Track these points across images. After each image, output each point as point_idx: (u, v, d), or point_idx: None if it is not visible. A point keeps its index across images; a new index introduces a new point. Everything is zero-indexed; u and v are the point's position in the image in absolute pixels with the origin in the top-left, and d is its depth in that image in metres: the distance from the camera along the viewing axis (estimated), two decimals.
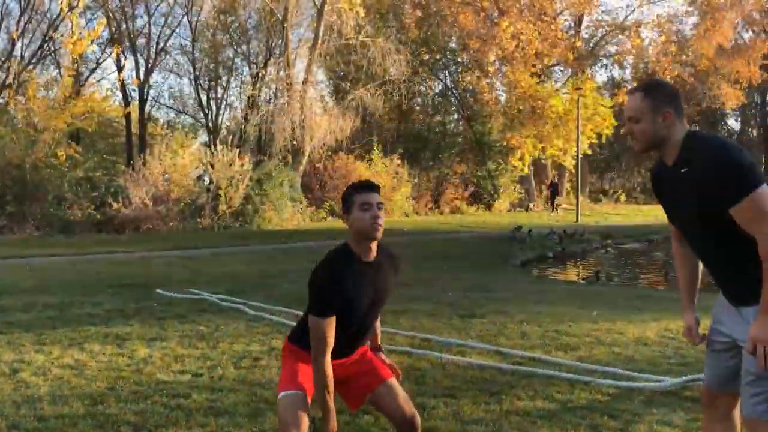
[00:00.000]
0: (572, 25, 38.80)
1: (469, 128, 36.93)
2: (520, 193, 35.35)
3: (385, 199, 27.51)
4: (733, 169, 2.36)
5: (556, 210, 31.26)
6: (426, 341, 6.00)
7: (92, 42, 21.40)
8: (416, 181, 31.30)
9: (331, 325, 2.75)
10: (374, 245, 2.86)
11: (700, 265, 2.81)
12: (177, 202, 19.93)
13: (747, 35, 44.68)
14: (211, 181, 20.58)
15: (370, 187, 2.86)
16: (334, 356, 2.82)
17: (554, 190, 32.87)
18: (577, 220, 26.53)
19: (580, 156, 29.42)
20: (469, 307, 7.95)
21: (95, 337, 6.00)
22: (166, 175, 19.52)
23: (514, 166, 33.30)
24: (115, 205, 19.31)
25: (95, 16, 32.80)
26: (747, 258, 2.42)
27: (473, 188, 34.58)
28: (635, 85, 2.79)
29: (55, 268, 10.76)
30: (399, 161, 29.26)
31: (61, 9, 20.26)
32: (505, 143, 33.47)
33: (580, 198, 30.06)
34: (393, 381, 3.04)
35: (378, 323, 3.19)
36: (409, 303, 8.17)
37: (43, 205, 18.56)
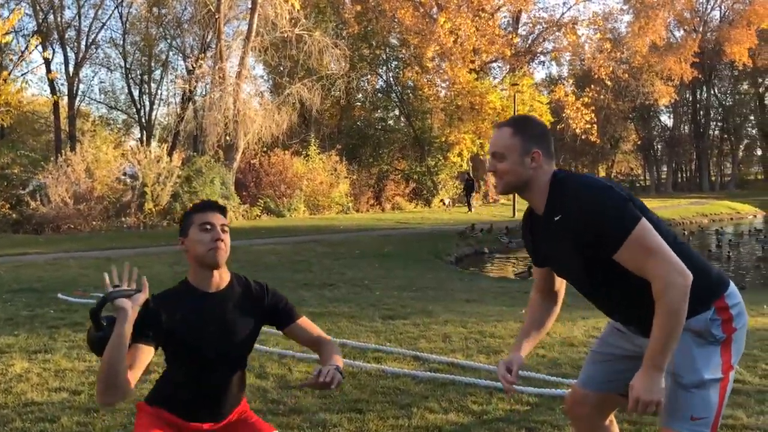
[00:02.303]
0: (510, 21, 39.01)
1: (409, 124, 36.69)
2: (460, 189, 35.29)
3: (323, 195, 27.03)
4: (604, 215, 2.13)
5: (470, 208, 29.67)
6: (341, 347, 5.56)
7: (8, 32, 20.18)
8: (356, 177, 30.85)
9: (138, 352, 2.25)
10: (219, 274, 2.40)
11: (550, 319, 2.61)
12: (100, 200, 18.97)
13: (679, 33, 45.85)
14: (136, 178, 19.67)
15: (212, 206, 2.45)
16: (201, 413, 2.41)
17: (469, 187, 30.59)
18: (513, 215, 26.54)
19: None
20: (393, 307, 7.57)
21: None
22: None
23: (454, 162, 33.20)
24: (33, 204, 18.25)
25: (20, 5, 31.27)
26: (646, 296, 2.13)
27: (414, 184, 34.37)
28: (517, 118, 2.46)
29: None
30: (337, 157, 28.77)
31: None
32: (444, 139, 33.35)
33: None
34: None
35: (329, 349, 2.57)
36: (331, 304, 7.75)
37: None
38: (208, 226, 2.36)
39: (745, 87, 54.45)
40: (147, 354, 2.28)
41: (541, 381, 4.60)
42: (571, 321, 6.70)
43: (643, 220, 2.12)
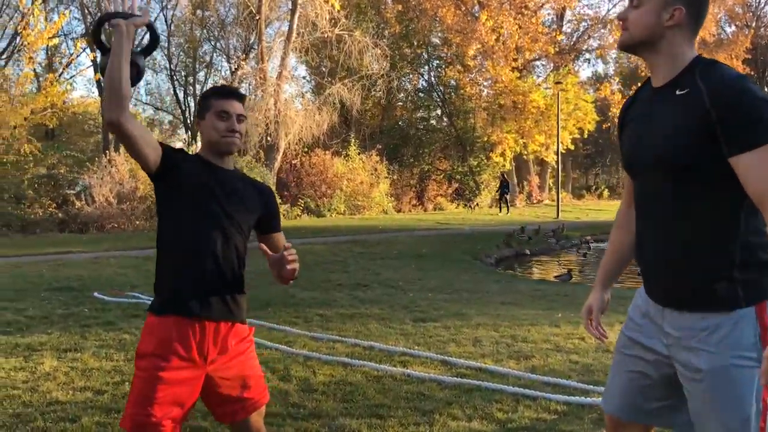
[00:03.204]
0: (554, 19, 38.40)
1: (451, 124, 36.46)
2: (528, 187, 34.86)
3: (363, 195, 27.00)
4: (759, 106, 1.72)
5: (507, 209, 28.49)
6: (368, 350, 5.49)
7: (54, 35, 20.63)
8: (396, 177, 30.77)
9: (155, 143, 2.26)
10: (228, 159, 2.43)
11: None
12: (143, 200, 19.26)
13: (730, 29, 44.54)
14: None
15: (232, 93, 2.44)
16: (205, 298, 2.30)
17: (505, 188, 29.27)
18: (557, 216, 26.13)
19: (561, 151, 29.00)
20: (426, 309, 7.45)
21: (2, 349, 5.44)
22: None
23: (496, 162, 32.86)
24: (78, 204, 18.63)
25: (69, 9, 32.07)
26: (717, 241, 1.81)
27: (456, 185, 34.13)
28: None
29: None
30: (378, 157, 28.73)
31: (19, 0, 19.49)
32: (486, 139, 33.04)
33: (563, 194, 29.66)
34: (258, 416, 2.47)
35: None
36: (363, 306, 7.68)
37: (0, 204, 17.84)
38: (224, 115, 2.35)
39: None
40: (156, 145, 2.26)
41: (569, 388, 4.44)
42: (608, 325, 6.47)
43: None
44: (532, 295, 9.10)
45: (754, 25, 44.37)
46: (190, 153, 2.44)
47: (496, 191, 30.49)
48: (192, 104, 39.82)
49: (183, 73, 39.65)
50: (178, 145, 30.47)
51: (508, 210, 28.15)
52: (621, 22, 1.94)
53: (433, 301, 8.14)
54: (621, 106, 2.15)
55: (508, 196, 28.97)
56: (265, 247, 2.37)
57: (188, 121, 39.82)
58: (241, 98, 2.43)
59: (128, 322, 6.46)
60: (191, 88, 39.87)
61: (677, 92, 1.83)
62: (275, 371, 4.80)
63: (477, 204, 29.96)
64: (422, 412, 3.97)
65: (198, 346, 2.28)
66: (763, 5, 45.90)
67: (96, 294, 8.05)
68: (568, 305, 8.18)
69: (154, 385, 2.21)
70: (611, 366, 2.18)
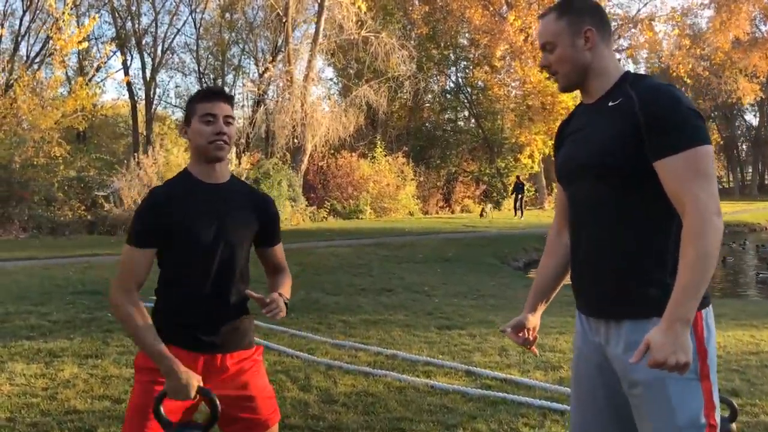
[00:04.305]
0: None
1: (478, 125, 36.20)
2: (531, 191, 34.56)
3: (389, 197, 26.87)
4: (687, 113, 1.76)
5: (522, 213, 26.79)
6: (391, 358, 5.37)
7: (85, 39, 20.88)
8: (423, 179, 30.60)
9: (143, 259, 2.17)
10: (220, 168, 2.26)
11: (569, 267, 2.12)
12: None
13: (765, 28, 43.66)
14: None
15: (217, 93, 2.28)
16: (201, 334, 2.21)
17: (520, 191, 27.65)
18: None
19: None
20: (451, 316, 7.33)
21: (25, 354, 5.42)
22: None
23: (524, 164, 32.51)
24: (107, 206, 18.79)
25: (99, 13, 32.48)
26: (653, 247, 1.81)
27: (485, 186, 33.86)
28: None
29: (24, 273, 10.21)
30: (404, 159, 28.60)
31: (50, 5, 19.74)
32: (514, 140, 32.71)
33: None
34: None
35: (284, 279, 2.45)
36: (387, 311, 7.57)
37: (30, 206, 18.02)
38: (210, 118, 2.21)
39: None
40: (150, 257, 2.21)
41: None
42: None
43: (711, 147, 1.79)
44: (560, 301, 8.83)
45: None
46: (174, 179, 2.30)
47: (511, 194, 29.25)
48: None
49: (212, 76, 39.91)
50: None
51: (522, 214, 26.70)
52: (546, 69, 2.00)
53: (458, 308, 8.01)
54: (557, 129, 2.16)
55: (522, 200, 27.48)
56: (251, 292, 2.27)
57: None
58: (227, 99, 2.28)
59: None
60: None
61: (610, 104, 1.88)
62: (296, 380, 4.71)
63: (491, 209, 29.02)
64: (445, 426, 3.85)
65: (195, 370, 2.21)
66: None
67: None
68: None
69: (151, 396, 2.15)
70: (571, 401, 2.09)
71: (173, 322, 2.21)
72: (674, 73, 32.25)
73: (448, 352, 5.62)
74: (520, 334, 2.20)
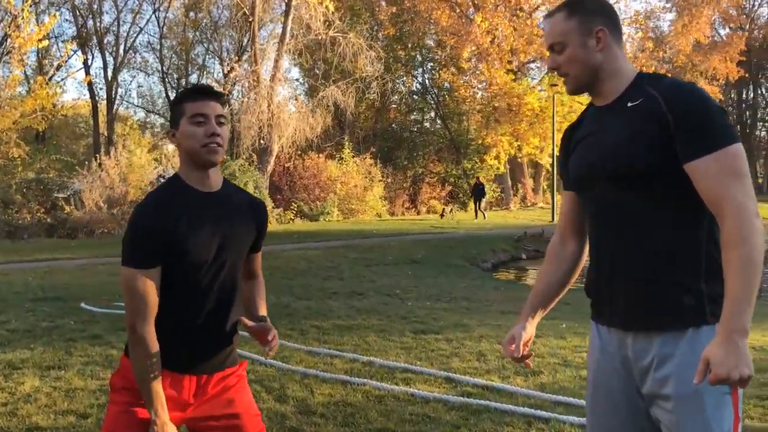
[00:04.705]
0: None
1: (445, 126, 36.27)
2: (496, 192, 34.74)
3: (357, 199, 26.73)
4: (716, 111, 1.69)
5: (484, 215, 26.34)
6: (368, 365, 5.23)
7: (44, 37, 20.30)
8: (390, 180, 30.54)
9: (151, 281, 1.95)
10: (214, 173, 2.07)
11: (573, 274, 2.06)
12: (134, 205, 18.94)
13: (724, 31, 44.55)
14: None
15: (207, 92, 2.07)
16: (188, 342, 2.03)
17: (479, 193, 27.13)
18: (552, 219, 25.92)
19: (556, 154, 28.81)
20: (425, 320, 7.21)
21: None
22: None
23: (491, 165, 32.65)
24: (68, 209, 18.31)
25: (60, 11, 31.73)
26: (685, 252, 1.71)
27: (450, 188, 33.94)
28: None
29: None
30: (372, 160, 28.49)
31: (8, 2, 19.14)
32: (481, 142, 32.84)
33: (557, 197, 29.48)
34: None
35: (259, 290, 2.31)
36: (360, 316, 7.42)
37: None
38: (201, 119, 2.00)
39: None
40: (156, 280, 1.99)
41: (583, 408, 4.19)
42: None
43: (742, 146, 1.71)
44: None
45: (748, 27, 44.42)
46: (164, 188, 2.07)
47: (471, 196, 28.67)
48: None
49: (175, 76, 39.39)
50: (170, 147, 30.14)
51: (484, 216, 26.25)
52: (555, 71, 1.91)
53: (432, 311, 7.90)
54: (563, 133, 2.06)
55: (482, 202, 27.06)
56: (245, 320, 2.10)
57: None
58: (218, 97, 2.07)
59: (116, 336, 6.17)
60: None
61: (629, 104, 1.78)
62: (271, 391, 4.54)
63: (451, 210, 28.81)
64: None
65: (177, 393, 2.04)
66: (756, 8, 46.00)
67: (83, 305, 7.76)
68: (572, 314, 7.93)
69: (127, 420, 1.99)
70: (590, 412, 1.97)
71: (164, 343, 2.02)
72: (551, 72, 32.62)
73: (426, 357, 5.50)
74: (512, 347, 2.02)
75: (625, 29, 34.39)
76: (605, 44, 1.82)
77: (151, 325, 1.96)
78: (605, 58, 1.83)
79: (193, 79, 39.32)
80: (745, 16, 45.08)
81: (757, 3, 45.79)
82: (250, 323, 2.10)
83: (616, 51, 1.85)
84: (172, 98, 38.67)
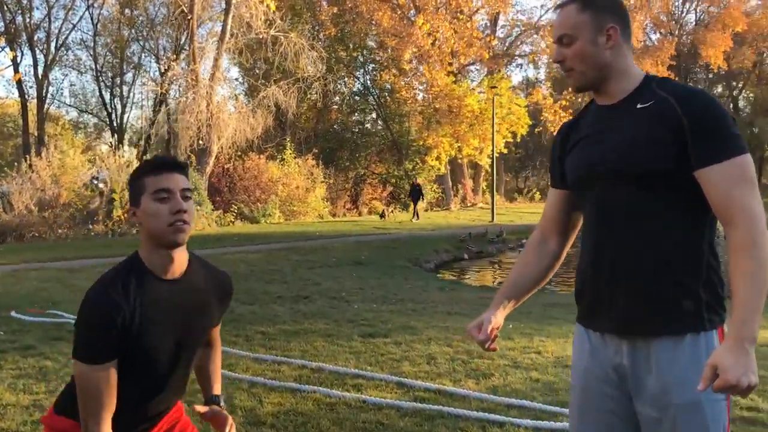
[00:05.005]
0: (488, 24, 38.79)
1: (386, 128, 36.31)
2: (437, 192, 35.00)
3: (299, 200, 26.46)
4: (729, 120, 1.68)
5: (417, 216, 26.07)
6: (317, 372, 5.10)
7: None
8: (332, 181, 30.38)
9: (106, 377, 1.77)
10: (179, 255, 1.89)
11: (547, 272, 2.03)
12: (66, 208, 18.27)
13: (655, 36, 45.98)
14: (105, 184, 19.00)
15: (169, 165, 1.88)
16: (124, 427, 1.87)
17: (416, 194, 26.80)
18: (492, 219, 26.24)
19: (496, 155, 29.19)
20: (373, 323, 7.12)
21: None
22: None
23: (431, 166, 32.86)
24: None
25: None
26: (687, 257, 1.70)
27: (392, 188, 34.00)
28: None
29: None
30: (314, 161, 28.27)
31: None
32: (422, 143, 33.01)
33: (496, 197, 29.87)
34: None
35: (215, 361, 2.16)
36: (306, 320, 7.27)
37: None
38: (165, 194, 1.82)
39: (720, 90, 54.87)
40: (113, 375, 1.81)
41: (536, 411, 4.18)
42: (563, 337, 6.31)
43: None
44: (478, 304, 8.87)
45: (677, 32, 45.97)
46: (121, 273, 1.86)
47: (409, 197, 28.32)
48: (119, 106, 38.43)
49: (110, 74, 38.24)
50: (104, 148, 29.23)
51: (418, 217, 25.97)
52: (559, 65, 1.85)
53: (378, 313, 7.82)
54: (559, 129, 2.03)
55: (418, 203, 26.74)
56: (199, 409, 1.97)
57: (114, 124, 38.39)
58: (182, 168, 1.88)
59: (50, 346, 5.87)
60: (118, 89, 38.49)
61: (638, 106, 1.75)
62: None
63: (392, 211, 28.58)
64: None
65: None
66: (685, 14, 47.66)
67: (13, 313, 7.37)
68: (517, 314, 7.94)
69: None
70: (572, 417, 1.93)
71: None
72: (554, 64, 33.35)
73: (376, 362, 5.41)
74: (478, 331, 1.93)
75: None
76: (616, 42, 1.79)
77: (106, 424, 1.79)
78: (614, 56, 1.80)
79: (129, 77, 38.28)
80: (674, 22, 46.66)
81: (685, 9, 47.46)
82: (203, 409, 1.95)
83: (626, 51, 1.82)
84: (107, 98, 37.41)
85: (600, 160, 1.79)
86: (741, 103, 54.20)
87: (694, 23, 47.09)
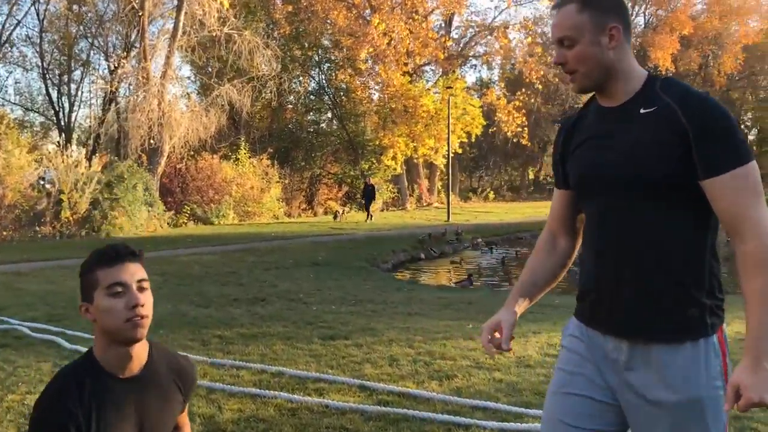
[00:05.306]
0: (443, 24, 38.95)
1: (342, 127, 36.17)
2: (393, 192, 35.00)
3: (254, 201, 26.13)
4: (735, 126, 1.66)
5: (371, 216, 25.71)
6: (277, 376, 4.99)
7: None
8: (287, 181, 30.09)
9: None
10: (138, 350, 1.78)
11: (561, 270, 2.02)
12: (12, 209, 17.67)
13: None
14: (53, 184, 18.44)
15: (121, 255, 1.76)
16: None
17: (368, 193, 26.52)
18: (448, 219, 26.34)
19: (451, 155, 29.33)
20: (333, 324, 7.02)
21: None
22: None
23: (387, 166, 32.84)
24: None
25: None
26: (691, 265, 1.70)
27: (347, 188, 33.86)
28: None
29: None
30: (269, 161, 27.95)
31: None
32: (378, 143, 32.97)
33: (451, 196, 30.02)
34: None
35: None
36: (264, 323, 7.13)
37: None
38: (120, 288, 1.71)
39: None
40: None
41: (501, 412, 4.15)
42: (523, 337, 6.31)
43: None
44: (437, 304, 8.85)
45: None
46: (75, 374, 1.74)
47: (362, 198, 27.96)
48: (66, 104, 37.38)
49: (57, 72, 37.13)
50: (51, 147, 28.36)
51: (371, 218, 25.63)
52: (561, 67, 1.81)
53: (338, 315, 7.72)
54: (560, 128, 1.99)
55: (371, 204, 26.39)
56: None
57: (62, 123, 37.33)
58: (135, 256, 1.77)
59: None
60: (65, 87, 37.41)
61: (642, 110, 1.72)
62: None
63: (344, 213, 28.27)
64: None
65: None
66: (634, 17, 48.66)
67: None
68: (477, 314, 7.98)
69: None
70: (546, 409, 1.94)
71: None
72: (527, 79, 33.81)
73: (337, 365, 5.31)
74: (497, 335, 1.89)
75: (514, 35, 35.44)
76: (618, 42, 1.75)
77: None
78: (617, 57, 1.76)
79: (77, 75, 37.24)
80: None
81: (634, 12, 48.47)
82: None
83: (628, 50, 1.78)
84: (54, 96, 36.28)
85: (605, 165, 1.77)
86: None
87: (643, 26, 48.15)
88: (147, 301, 1.74)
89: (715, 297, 1.72)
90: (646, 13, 48.30)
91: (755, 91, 52.29)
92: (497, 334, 1.89)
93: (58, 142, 35.87)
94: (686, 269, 1.70)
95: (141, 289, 1.74)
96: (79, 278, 1.80)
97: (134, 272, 1.74)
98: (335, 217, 26.45)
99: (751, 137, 54.82)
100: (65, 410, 1.65)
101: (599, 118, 1.84)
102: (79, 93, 37.94)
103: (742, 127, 56.74)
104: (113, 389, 1.73)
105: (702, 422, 1.69)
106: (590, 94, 1.89)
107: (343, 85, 34.76)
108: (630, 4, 46.25)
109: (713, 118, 1.65)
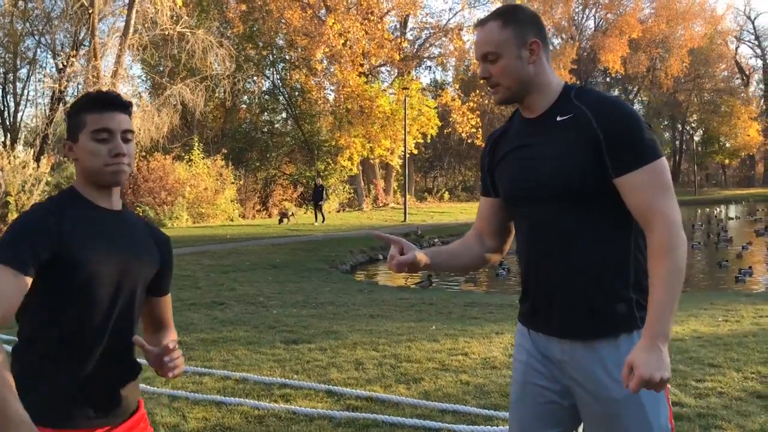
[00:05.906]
0: (398, 26, 39.03)
1: (297, 128, 35.92)
2: (350, 193, 34.94)
3: (208, 202, 25.76)
4: (641, 129, 1.75)
5: (323, 218, 25.30)
6: (242, 382, 4.89)
7: None
8: (242, 182, 29.75)
9: (18, 286, 1.54)
10: (116, 192, 1.81)
11: (470, 261, 2.10)
12: None
13: (557, 41, 47.60)
14: None
15: (112, 102, 1.76)
16: (99, 403, 1.71)
17: (317, 194, 25.90)
18: (405, 219, 26.40)
19: (407, 156, 29.40)
20: (295, 328, 6.93)
21: None
22: None
23: (343, 166, 32.75)
24: None
25: None
26: (616, 263, 1.79)
27: (302, 189, 33.66)
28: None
29: None
30: (223, 162, 27.59)
31: None
32: (334, 143, 32.85)
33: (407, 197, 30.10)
34: None
35: (171, 330, 2.01)
36: (224, 328, 7.00)
37: None
38: (105, 135, 1.72)
39: (617, 93, 57.50)
40: (23, 287, 1.57)
41: (470, 415, 4.14)
42: (486, 338, 6.33)
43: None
44: (398, 305, 8.83)
45: (578, 37, 47.76)
46: (58, 197, 1.76)
47: (311, 200, 27.39)
48: (12, 104, 36.33)
49: (2, 70, 36.05)
50: None
51: (323, 219, 25.23)
52: (486, 81, 1.89)
53: (299, 318, 7.63)
54: (487, 140, 2.08)
55: (321, 204, 25.85)
56: (141, 342, 1.75)
57: (7, 123, 36.27)
58: (125, 108, 1.78)
59: None
60: (11, 86, 36.38)
61: (558, 119, 1.82)
62: None
63: (293, 214, 27.79)
64: None
65: None
66: (585, 20, 49.61)
67: None
68: (438, 315, 8.00)
69: None
70: (511, 420, 2.01)
71: (55, 394, 1.65)
72: (482, 81, 34.04)
73: (302, 370, 5.24)
74: (402, 257, 1.91)
75: (468, 36, 35.74)
76: (537, 56, 1.84)
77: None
78: (536, 70, 1.84)
79: (23, 73, 36.24)
80: (575, 28, 48.48)
81: (585, 15, 49.40)
82: (145, 344, 1.74)
83: (546, 63, 1.86)
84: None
85: (525, 178, 1.86)
86: (636, 106, 56.84)
87: (593, 29, 49.10)
88: (129, 151, 1.76)
89: (642, 290, 1.77)
90: (597, 17, 49.27)
91: (700, 94, 53.83)
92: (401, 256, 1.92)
93: (4, 142, 34.88)
94: (612, 269, 1.78)
95: (126, 140, 1.75)
96: (66, 117, 1.81)
97: (121, 122, 1.75)
98: (281, 220, 25.19)
99: (696, 138, 56.46)
100: (48, 211, 1.67)
101: (521, 129, 1.92)
102: (26, 92, 36.97)
103: (688, 128, 58.45)
104: (93, 214, 1.75)
105: (643, 417, 1.76)
106: (516, 107, 1.97)
107: (299, 85, 34.54)
108: (581, 8, 47.18)
109: (622, 122, 1.74)
